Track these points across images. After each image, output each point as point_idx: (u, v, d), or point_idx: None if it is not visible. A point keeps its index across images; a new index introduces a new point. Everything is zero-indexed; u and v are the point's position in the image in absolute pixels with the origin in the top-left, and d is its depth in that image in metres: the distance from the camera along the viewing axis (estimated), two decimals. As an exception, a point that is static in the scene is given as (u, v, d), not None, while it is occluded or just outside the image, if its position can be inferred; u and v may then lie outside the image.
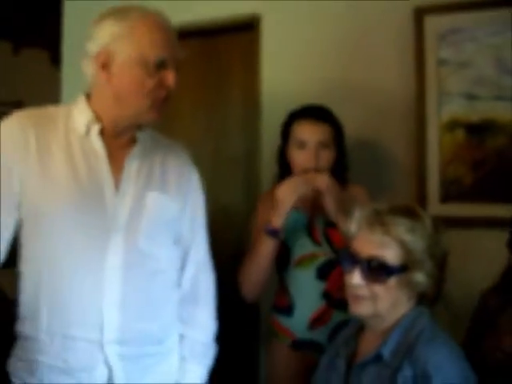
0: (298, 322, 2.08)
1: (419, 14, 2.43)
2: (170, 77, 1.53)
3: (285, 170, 2.13)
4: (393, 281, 1.44)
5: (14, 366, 1.57)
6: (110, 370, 1.53)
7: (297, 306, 2.08)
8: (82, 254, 1.52)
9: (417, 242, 1.44)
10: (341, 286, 2.02)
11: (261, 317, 2.75)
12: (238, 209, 2.93)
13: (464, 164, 2.38)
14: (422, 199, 2.41)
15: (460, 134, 2.39)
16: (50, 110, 1.64)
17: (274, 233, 1.98)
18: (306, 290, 2.07)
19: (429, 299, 1.51)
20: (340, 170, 2.12)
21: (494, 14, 2.33)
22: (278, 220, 1.98)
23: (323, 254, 2.07)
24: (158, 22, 1.54)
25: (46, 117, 1.59)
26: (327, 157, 2.04)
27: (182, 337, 1.73)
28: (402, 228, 1.44)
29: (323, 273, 2.06)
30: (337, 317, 2.03)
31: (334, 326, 2.03)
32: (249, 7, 2.81)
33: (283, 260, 2.09)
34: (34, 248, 1.54)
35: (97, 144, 1.57)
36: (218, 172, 2.99)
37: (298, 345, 2.09)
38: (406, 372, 1.34)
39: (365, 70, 2.58)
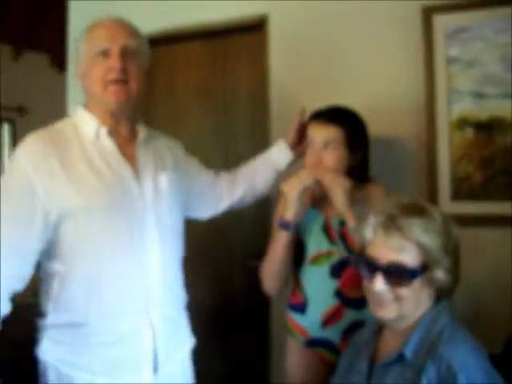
0: (312, 320, 2.09)
1: (428, 13, 2.44)
2: (112, 60, 1.78)
3: None
4: (416, 282, 1.45)
5: (56, 351, 1.77)
6: (154, 332, 1.81)
7: (310, 304, 2.10)
8: (126, 239, 1.78)
9: (432, 240, 1.44)
10: (354, 285, 2.05)
11: (272, 314, 2.76)
12: (248, 211, 2.93)
13: (473, 162, 2.40)
14: (433, 197, 2.42)
15: (469, 132, 2.40)
16: (56, 126, 1.87)
17: (285, 225, 2.04)
18: (320, 288, 2.09)
19: (446, 293, 1.52)
20: (358, 171, 2.13)
21: (501, 11, 2.34)
22: (287, 213, 2.04)
23: (338, 252, 2.08)
24: (102, 23, 1.86)
25: (57, 133, 1.82)
26: (332, 157, 2.04)
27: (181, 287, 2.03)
28: (417, 229, 1.44)
29: (336, 271, 2.07)
30: (349, 315, 2.05)
31: (347, 325, 2.05)
32: (256, 8, 2.82)
33: (299, 257, 2.12)
34: (78, 246, 1.75)
35: (108, 144, 1.83)
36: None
37: (312, 343, 2.11)
38: (430, 372, 1.34)
39: (374, 69, 2.59)
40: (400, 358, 1.43)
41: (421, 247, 1.44)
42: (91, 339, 1.75)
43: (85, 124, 1.84)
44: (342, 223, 2.08)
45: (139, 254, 1.80)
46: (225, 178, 2.31)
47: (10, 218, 1.67)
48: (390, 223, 1.48)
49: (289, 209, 2.03)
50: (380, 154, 2.52)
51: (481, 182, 2.39)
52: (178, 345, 1.94)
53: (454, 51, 2.42)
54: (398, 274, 1.44)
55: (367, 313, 2.03)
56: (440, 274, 1.45)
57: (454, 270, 1.49)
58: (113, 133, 1.85)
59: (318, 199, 2.12)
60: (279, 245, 2.07)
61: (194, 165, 2.23)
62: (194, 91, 3.05)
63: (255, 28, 2.85)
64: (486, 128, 2.37)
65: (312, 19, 2.72)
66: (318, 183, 2.01)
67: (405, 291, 1.45)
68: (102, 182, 1.75)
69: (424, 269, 1.44)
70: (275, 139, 2.74)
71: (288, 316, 2.19)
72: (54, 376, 1.76)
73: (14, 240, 1.67)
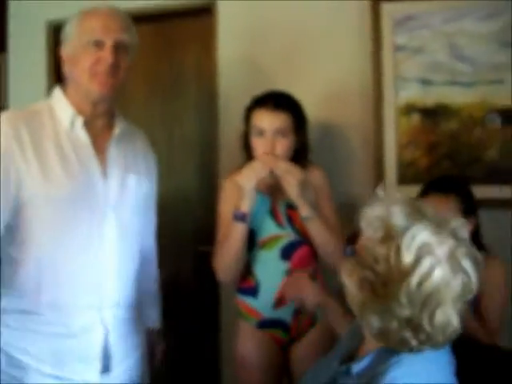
0: (264, 302, 2.12)
1: (376, 2, 2.49)
2: (105, 53, 1.74)
3: (249, 155, 2.16)
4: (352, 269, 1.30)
5: (6, 335, 1.72)
6: (107, 331, 1.79)
7: (262, 287, 2.12)
8: (83, 234, 1.74)
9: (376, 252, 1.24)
10: (304, 265, 2.08)
11: (221, 299, 2.77)
12: (196, 193, 2.94)
13: (419, 147, 2.47)
14: (379, 181, 2.47)
15: (415, 118, 2.47)
16: (33, 107, 1.83)
17: (241, 217, 2.03)
18: (271, 271, 2.11)
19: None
20: (301, 154, 2.16)
21: (447, 1, 2.42)
22: (243, 205, 2.03)
23: (286, 235, 2.12)
24: (98, 11, 1.80)
25: (32, 114, 1.78)
26: (284, 145, 2.06)
27: (136, 289, 1.96)
28: (376, 239, 1.25)
29: (286, 253, 2.11)
30: None
31: None
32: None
33: (248, 243, 2.11)
34: (34, 233, 1.71)
35: (82, 135, 1.79)
36: (173, 157, 2.98)
37: (265, 324, 2.13)
38: None
39: (323, 55, 2.62)
40: (347, 370, 1.35)
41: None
42: (41, 328, 1.72)
43: (61, 110, 1.79)
44: (289, 205, 2.11)
45: (95, 251, 1.77)
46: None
47: None
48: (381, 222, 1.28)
49: (245, 201, 2.03)
50: (328, 139, 2.58)
51: (426, 167, 2.46)
52: (132, 347, 1.91)
53: (402, 39, 2.48)
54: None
55: None
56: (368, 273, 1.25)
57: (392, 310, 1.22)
58: (88, 123, 1.80)
59: (264, 185, 2.13)
60: (236, 237, 2.05)
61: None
62: (141, 74, 3.00)
63: (204, 11, 2.82)
64: (432, 114, 2.44)
65: (261, 4, 2.72)
66: (272, 173, 2.02)
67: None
68: (68, 172, 1.72)
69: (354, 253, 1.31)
70: (222, 122, 2.75)
71: (239, 300, 2.20)
72: (5, 360, 1.73)
73: None
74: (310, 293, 1.80)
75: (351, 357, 1.42)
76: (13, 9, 3.21)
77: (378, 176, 2.49)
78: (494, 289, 1.97)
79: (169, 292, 2.84)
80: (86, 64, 1.74)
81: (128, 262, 1.86)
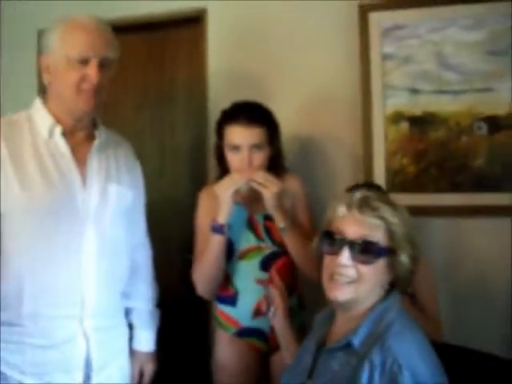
0: (243, 311, 2.12)
1: (364, 11, 2.52)
2: (91, 72, 1.73)
3: (223, 167, 2.15)
4: (380, 263, 1.44)
5: (4, 348, 1.73)
6: (88, 341, 1.78)
7: (241, 296, 2.13)
8: (62, 245, 1.73)
9: (399, 225, 1.45)
10: (282, 276, 2.03)
11: (211, 308, 2.75)
12: (186, 202, 2.92)
13: (407, 155, 2.49)
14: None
15: (404, 127, 2.49)
16: (12, 117, 1.81)
17: (219, 229, 2.01)
18: (250, 281, 2.11)
19: (403, 284, 1.51)
20: (276, 163, 2.15)
21: (435, 11, 2.45)
22: (221, 216, 2.01)
23: (266, 247, 2.12)
24: (84, 26, 1.76)
25: (11, 125, 1.78)
26: (260, 157, 2.05)
27: (129, 309, 2.03)
28: (388, 212, 1.44)
29: (266, 264, 2.11)
30: None
31: None
32: (194, 1, 2.81)
33: (227, 253, 2.09)
34: (13, 244, 1.71)
35: (61, 145, 1.77)
36: (164, 166, 2.99)
37: (243, 333, 2.13)
38: (375, 359, 1.33)
39: (312, 64, 2.64)
40: (347, 345, 1.42)
41: (389, 229, 1.44)
42: (23, 340, 1.72)
43: (40, 120, 1.78)
44: (266, 217, 2.11)
45: (75, 262, 1.75)
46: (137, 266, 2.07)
47: None
48: (365, 202, 1.47)
49: (222, 211, 2.00)
50: (316, 148, 2.59)
51: (414, 175, 2.48)
52: (115, 353, 1.91)
53: (389, 48, 2.50)
54: (366, 250, 1.43)
55: (294, 300, 2.13)
56: (405, 259, 1.45)
57: (414, 260, 1.49)
58: (68, 132, 1.79)
59: (242, 196, 2.11)
60: (214, 248, 2.03)
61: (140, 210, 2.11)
62: (130, 84, 3.02)
63: (193, 21, 2.84)
64: (420, 122, 2.46)
65: (250, 14, 2.75)
66: (249, 184, 2.00)
67: (367, 269, 1.43)
68: (47, 182, 1.71)
69: (390, 251, 1.44)
70: (213, 131, 2.74)
71: (218, 309, 2.20)
72: None
73: None
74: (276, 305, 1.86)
75: (324, 341, 1.54)
76: (4, 18, 3.23)
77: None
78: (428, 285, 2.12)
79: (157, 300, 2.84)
80: (70, 80, 1.72)
81: (109, 273, 1.84)
